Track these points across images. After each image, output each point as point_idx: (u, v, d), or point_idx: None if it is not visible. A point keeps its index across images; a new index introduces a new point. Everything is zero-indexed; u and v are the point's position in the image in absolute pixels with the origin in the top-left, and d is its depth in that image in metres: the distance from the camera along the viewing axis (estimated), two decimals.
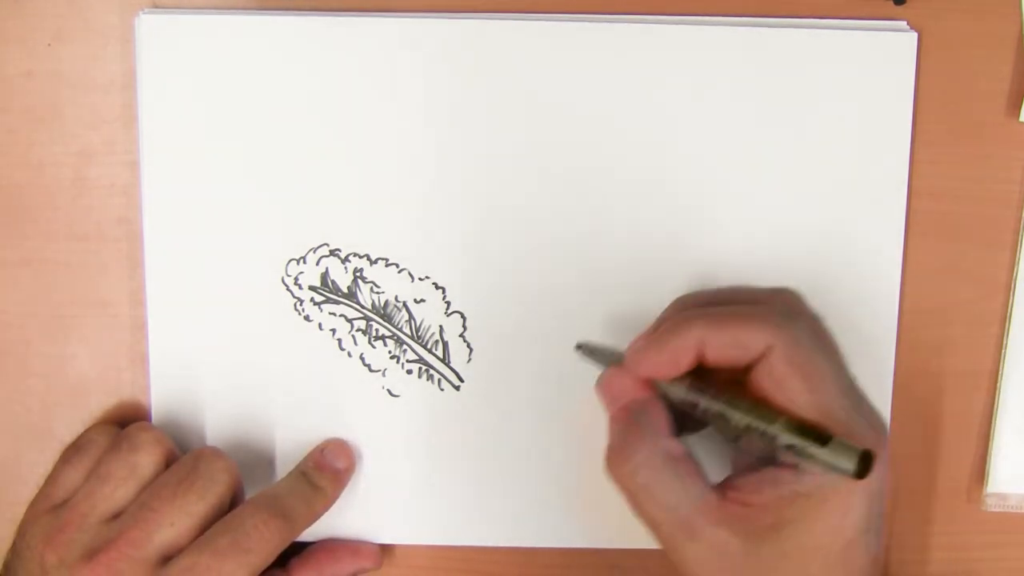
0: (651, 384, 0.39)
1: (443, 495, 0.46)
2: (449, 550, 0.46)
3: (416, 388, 0.45)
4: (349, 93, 0.44)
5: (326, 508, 0.44)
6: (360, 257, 0.45)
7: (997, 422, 0.46)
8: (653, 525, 0.38)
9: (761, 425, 0.36)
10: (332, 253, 0.45)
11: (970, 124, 0.45)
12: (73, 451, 0.43)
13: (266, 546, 0.40)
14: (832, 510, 0.36)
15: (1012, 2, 0.45)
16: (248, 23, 0.44)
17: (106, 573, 0.39)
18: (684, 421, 0.40)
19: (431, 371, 0.45)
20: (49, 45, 0.45)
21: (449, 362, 0.45)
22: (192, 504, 0.40)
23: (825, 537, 0.36)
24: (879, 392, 0.45)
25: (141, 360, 0.45)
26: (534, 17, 0.44)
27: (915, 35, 0.44)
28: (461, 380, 0.45)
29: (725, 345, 0.37)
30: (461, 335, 0.45)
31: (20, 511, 0.42)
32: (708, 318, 0.38)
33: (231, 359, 0.45)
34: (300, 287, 0.45)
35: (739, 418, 0.37)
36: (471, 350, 0.45)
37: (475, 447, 0.46)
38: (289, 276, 0.45)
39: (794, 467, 0.37)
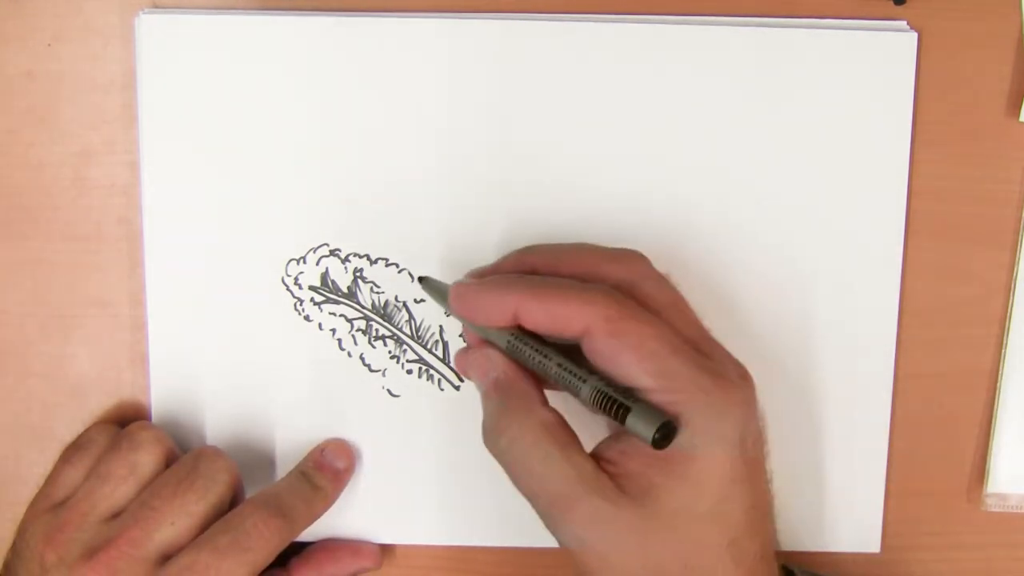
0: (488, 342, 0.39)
1: (443, 495, 0.46)
2: (449, 550, 0.46)
3: (416, 388, 0.45)
4: (349, 93, 0.44)
5: (326, 508, 0.44)
6: (360, 257, 0.45)
7: (997, 422, 0.46)
8: (531, 498, 0.38)
9: (571, 387, 0.37)
10: (332, 253, 0.45)
11: (970, 124, 0.45)
12: (73, 450, 0.43)
13: (266, 545, 0.40)
14: (696, 468, 0.36)
15: (1012, 2, 0.45)
16: (248, 23, 0.44)
17: (106, 572, 0.39)
18: None
19: (431, 371, 0.45)
20: (49, 45, 0.45)
21: (449, 362, 0.45)
22: (192, 503, 0.40)
23: (690, 499, 0.36)
24: (879, 392, 0.45)
25: (141, 360, 0.45)
26: (535, 17, 0.44)
27: (915, 35, 0.44)
28: (461, 380, 0.45)
29: (542, 319, 0.37)
30: (461, 335, 0.45)
31: (20, 511, 0.42)
32: (528, 287, 0.38)
33: (231, 359, 0.45)
34: (300, 287, 0.45)
35: (552, 376, 0.37)
36: None
37: (475, 447, 0.45)
38: (289, 276, 0.45)
39: None
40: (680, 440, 0.36)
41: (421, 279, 0.43)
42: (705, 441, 0.36)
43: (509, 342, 0.39)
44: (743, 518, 0.37)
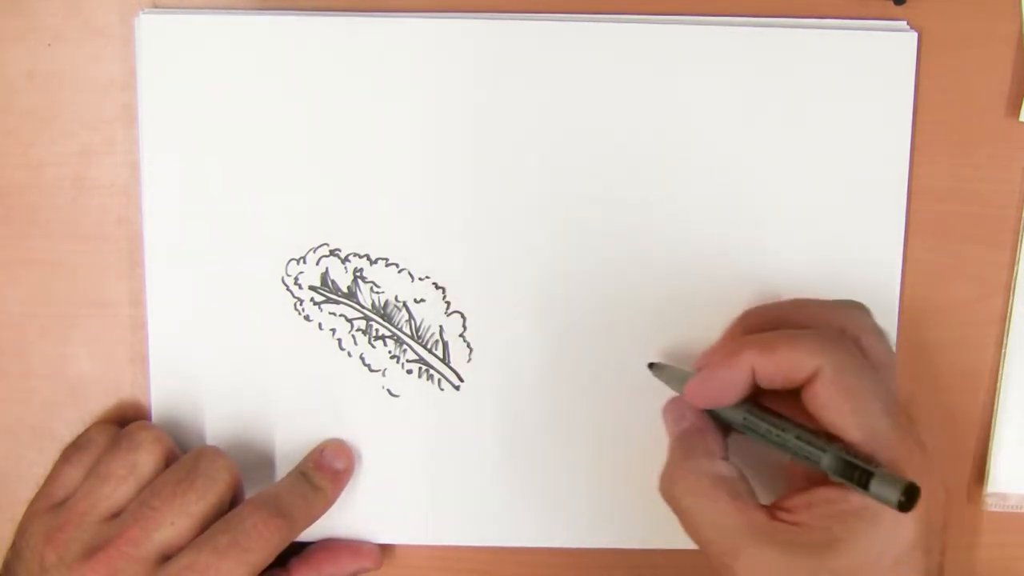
0: (708, 410, 0.41)
1: (443, 495, 0.46)
2: (449, 550, 0.46)
3: (416, 388, 0.45)
4: (349, 93, 0.44)
5: (326, 509, 0.44)
6: (360, 257, 0.45)
7: (997, 422, 0.46)
8: (701, 545, 0.38)
9: (810, 457, 0.37)
10: (332, 253, 0.45)
11: (970, 124, 0.45)
12: (73, 450, 0.43)
13: (266, 545, 0.40)
14: (882, 529, 0.36)
15: (1012, 2, 0.45)
16: (248, 23, 0.44)
17: (105, 571, 0.39)
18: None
19: (431, 371, 0.45)
20: (49, 45, 0.45)
21: (449, 362, 0.45)
22: (192, 503, 0.40)
23: (873, 555, 0.36)
24: None
25: (141, 360, 0.45)
26: (534, 17, 0.44)
27: (915, 35, 0.44)
28: (461, 380, 0.45)
29: (774, 370, 0.38)
30: (461, 335, 0.45)
31: (20, 511, 0.42)
32: (758, 345, 0.39)
33: (231, 359, 0.45)
34: (300, 287, 0.45)
35: (790, 447, 0.38)
36: (471, 350, 0.45)
37: (475, 447, 0.46)
38: (289, 276, 0.45)
39: (842, 486, 0.37)
40: (869, 499, 0.36)
41: (652, 365, 0.44)
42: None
43: (745, 418, 0.40)
44: None
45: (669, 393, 0.43)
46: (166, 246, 0.44)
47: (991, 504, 0.46)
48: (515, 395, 0.45)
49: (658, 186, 0.44)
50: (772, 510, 0.38)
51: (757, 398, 0.40)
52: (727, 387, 0.39)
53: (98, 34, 0.45)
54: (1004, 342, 0.46)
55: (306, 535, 0.43)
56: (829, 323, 0.40)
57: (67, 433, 0.45)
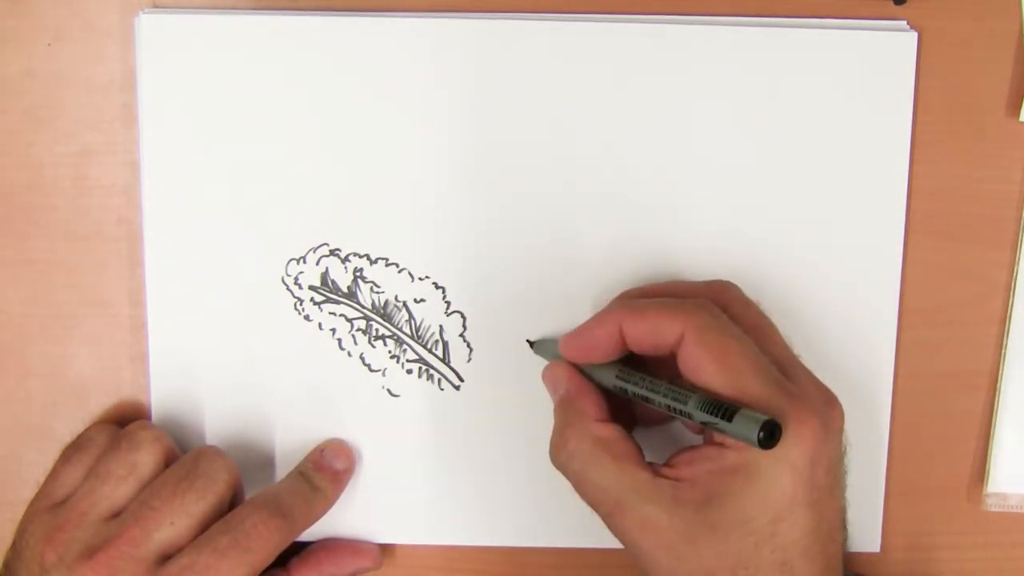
0: (583, 373, 0.42)
1: (443, 495, 0.46)
2: (449, 550, 0.46)
3: (416, 388, 0.45)
4: (349, 93, 0.44)
5: (326, 509, 0.44)
6: (360, 257, 0.45)
7: (997, 422, 0.46)
8: (593, 506, 0.39)
9: (678, 405, 0.38)
10: (332, 253, 0.45)
11: (970, 124, 0.45)
12: (73, 450, 0.43)
13: (266, 545, 0.40)
14: (756, 485, 0.37)
15: (1012, 2, 0.45)
16: (248, 23, 0.44)
17: (105, 571, 0.39)
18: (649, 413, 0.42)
19: (431, 371, 0.45)
20: (49, 45, 0.45)
21: (449, 362, 0.45)
22: (192, 503, 0.40)
23: (750, 511, 0.37)
24: (879, 392, 0.45)
25: (141, 360, 0.45)
26: (535, 17, 0.44)
27: (915, 35, 0.44)
28: (461, 380, 0.45)
29: (643, 333, 0.40)
30: (461, 335, 0.45)
31: (20, 511, 0.42)
32: (628, 308, 0.41)
33: (231, 359, 0.45)
34: (300, 287, 0.45)
35: (660, 400, 0.39)
36: (471, 350, 0.45)
37: (475, 447, 0.46)
38: (289, 276, 0.45)
39: (720, 444, 0.38)
40: (745, 456, 0.37)
41: (531, 343, 0.45)
42: (769, 460, 0.37)
43: (619, 372, 0.41)
44: (801, 540, 0.37)
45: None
46: (166, 246, 0.44)
47: (991, 504, 0.46)
48: (515, 395, 0.45)
49: (658, 185, 0.44)
50: (656, 468, 0.39)
51: (642, 368, 0.41)
52: (598, 343, 0.41)
53: (98, 34, 0.45)
54: (1004, 342, 0.46)
55: (306, 535, 0.43)
56: (697, 297, 0.41)
57: (67, 433, 0.45)
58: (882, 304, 0.45)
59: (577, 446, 0.40)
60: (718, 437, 0.38)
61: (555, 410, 0.42)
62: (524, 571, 0.47)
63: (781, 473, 0.37)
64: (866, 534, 0.46)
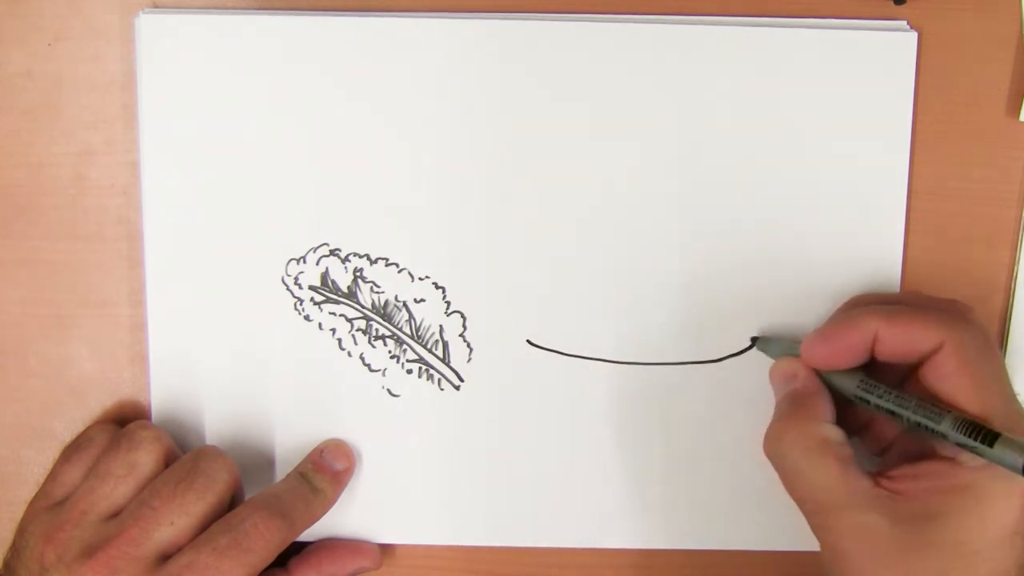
0: (818, 375, 0.41)
1: (443, 495, 0.46)
2: (449, 550, 0.46)
3: (416, 388, 0.45)
4: (349, 93, 0.44)
5: (326, 510, 0.44)
6: (360, 257, 0.45)
7: None
8: (800, 503, 0.39)
9: (930, 423, 0.37)
10: (332, 253, 0.45)
11: (970, 124, 0.45)
12: (73, 449, 0.43)
13: (265, 545, 0.40)
14: (986, 508, 0.37)
15: (1012, 2, 0.45)
16: (248, 23, 0.44)
17: (105, 571, 0.39)
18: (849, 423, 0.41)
19: (431, 371, 0.45)
20: (49, 45, 0.45)
21: (449, 362, 0.45)
22: (192, 503, 0.40)
23: (974, 532, 0.36)
24: None
25: (141, 360, 0.45)
26: (535, 17, 0.44)
27: (915, 35, 0.44)
28: (461, 380, 0.45)
29: (898, 340, 0.39)
30: (461, 335, 0.45)
31: (20, 511, 0.42)
32: (883, 313, 0.39)
33: (231, 359, 0.45)
34: (300, 287, 0.45)
35: (909, 415, 0.38)
36: (471, 350, 0.45)
37: (475, 447, 0.46)
38: (289, 276, 0.45)
39: (951, 461, 0.37)
40: (978, 477, 0.37)
41: (755, 340, 0.44)
42: (1002, 484, 0.36)
43: (861, 381, 0.40)
44: (1011, 571, 0.37)
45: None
46: (166, 246, 0.44)
47: None
48: (515, 395, 0.45)
49: (658, 185, 0.44)
50: (876, 477, 0.38)
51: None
52: (846, 350, 0.40)
53: (98, 34, 0.45)
54: (1004, 342, 0.46)
55: (306, 535, 0.43)
56: (944, 308, 0.40)
57: (67, 433, 0.45)
58: None
59: (800, 441, 0.39)
60: (949, 451, 0.37)
61: (781, 401, 0.41)
62: (524, 571, 0.47)
63: (1012, 501, 0.36)
64: None
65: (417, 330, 0.45)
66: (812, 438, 0.39)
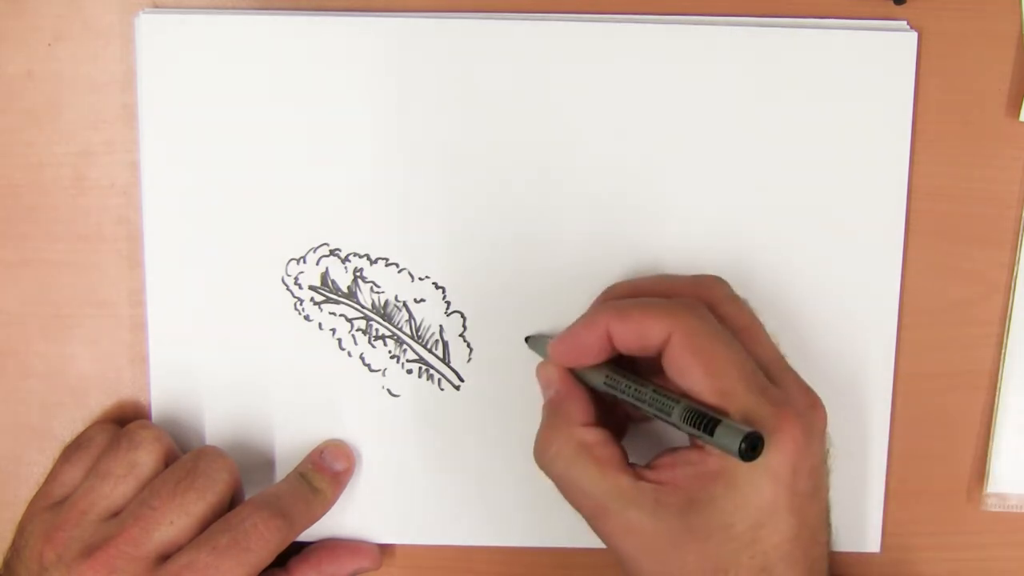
0: (572, 375, 0.42)
1: (443, 495, 0.46)
2: (449, 550, 0.46)
3: (416, 388, 0.45)
4: (349, 93, 0.44)
5: (325, 510, 0.44)
6: (360, 257, 0.45)
7: (997, 422, 0.46)
8: (576, 508, 0.40)
9: (663, 413, 0.38)
10: (332, 253, 0.45)
11: (970, 124, 0.45)
12: (73, 449, 0.43)
13: (265, 545, 0.40)
14: (737, 491, 0.37)
15: (1012, 2, 0.45)
16: (248, 23, 0.44)
17: (105, 570, 0.39)
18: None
19: (431, 371, 0.45)
20: (49, 45, 0.45)
21: (449, 362, 0.45)
22: (192, 503, 0.40)
23: (731, 517, 0.37)
24: (879, 392, 0.45)
25: (141, 360, 0.45)
26: (536, 17, 0.44)
27: (915, 35, 0.44)
28: (461, 380, 0.45)
29: (630, 335, 0.39)
30: (461, 335, 0.45)
31: (20, 511, 0.42)
32: (615, 309, 0.40)
33: (231, 359, 0.45)
34: (300, 287, 0.45)
35: (646, 407, 0.39)
36: (471, 350, 0.45)
37: (475, 447, 0.46)
38: (289, 276, 0.45)
39: (701, 448, 0.38)
40: (727, 462, 0.37)
41: (528, 339, 0.45)
42: (750, 468, 0.37)
43: (607, 377, 0.41)
44: (782, 546, 0.37)
45: None
46: (166, 246, 0.44)
47: (991, 504, 0.46)
48: (515, 395, 0.45)
49: (659, 185, 0.44)
50: (639, 471, 0.39)
51: (632, 369, 0.41)
52: (585, 347, 0.40)
53: (98, 34, 0.45)
54: (1004, 342, 0.46)
55: (306, 535, 0.43)
56: (685, 294, 0.41)
57: (67, 433, 0.45)
58: (882, 304, 0.45)
59: (560, 449, 0.40)
60: (699, 442, 0.38)
61: (543, 410, 0.42)
62: (524, 571, 0.47)
63: (762, 481, 0.37)
64: (866, 534, 0.46)
65: (417, 330, 0.45)
66: (571, 444, 0.40)
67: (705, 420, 0.37)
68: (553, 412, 0.41)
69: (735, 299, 0.41)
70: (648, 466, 0.39)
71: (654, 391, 0.39)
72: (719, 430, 0.36)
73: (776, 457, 0.37)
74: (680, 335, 0.38)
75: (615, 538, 0.38)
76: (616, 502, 0.38)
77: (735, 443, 0.35)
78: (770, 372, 0.39)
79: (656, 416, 0.39)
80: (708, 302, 0.40)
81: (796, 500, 0.37)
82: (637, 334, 0.39)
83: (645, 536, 0.38)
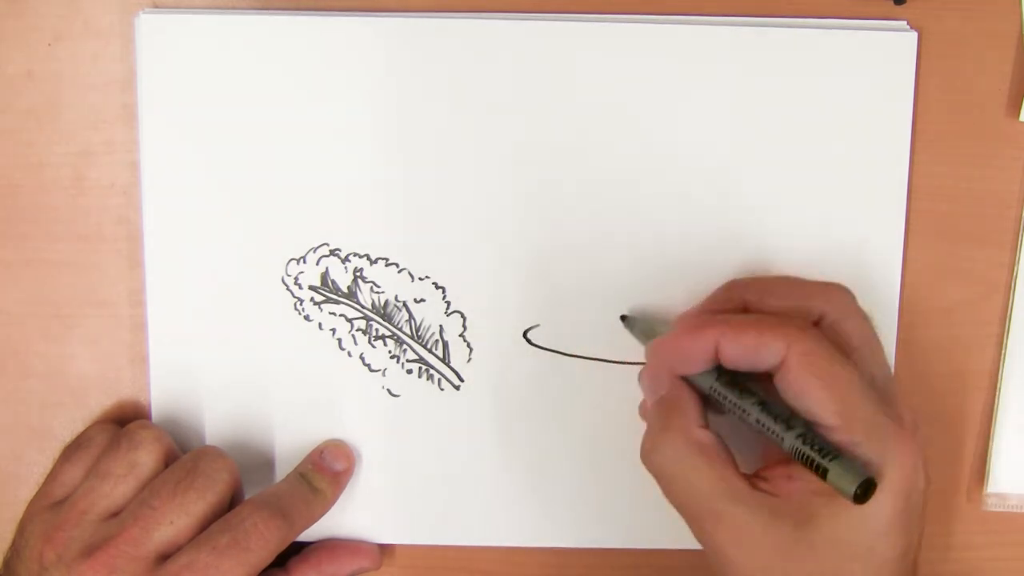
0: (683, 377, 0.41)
1: (443, 495, 0.46)
2: (449, 550, 0.46)
3: (416, 388, 0.45)
4: (349, 93, 0.44)
5: (325, 510, 0.44)
6: (360, 257, 0.45)
7: (997, 422, 0.46)
8: (682, 509, 0.39)
9: (775, 434, 0.38)
10: (332, 253, 0.45)
11: (970, 124, 0.45)
12: (73, 449, 0.43)
13: (265, 545, 0.40)
14: (855, 509, 0.37)
15: (1012, 2, 0.45)
16: (248, 23, 0.44)
17: (105, 570, 0.39)
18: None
19: (431, 371, 0.45)
20: (49, 45, 0.45)
21: (449, 362, 0.45)
22: (192, 503, 0.40)
23: (847, 534, 0.37)
24: None
25: (141, 360, 0.45)
26: (537, 17, 0.44)
27: (915, 35, 0.44)
28: (461, 380, 0.45)
29: (740, 353, 0.38)
30: (461, 335, 0.45)
31: (20, 511, 0.42)
32: (725, 325, 0.39)
33: (231, 359, 0.45)
34: (300, 287, 0.45)
35: (754, 425, 0.38)
36: (471, 350, 0.45)
37: (475, 447, 0.46)
38: (289, 276, 0.45)
39: None
40: None
41: (624, 318, 0.44)
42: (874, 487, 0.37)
43: (712, 386, 0.40)
44: (892, 564, 0.37)
45: None
46: (166, 246, 0.44)
47: (991, 504, 0.46)
48: (515, 395, 0.45)
49: (659, 185, 0.44)
50: (752, 479, 0.39)
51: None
52: (688, 357, 0.40)
53: (98, 34, 0.45)
54: (1004, 342, 0.46)
55: (306, 535, 0.43)
56: (810, 305, 0.40)
57: (67, 433, 0.45)
58: (882, 304, 0.45)
59: (676, 448, 0.39)
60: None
61: (652, 409, 0.41)
62: (524, 571, 0.47)
63: (883, 501, 0.37)
64: None
65: (417, 330, 0.45)
66: (685, 444, 0.39)
67: (815, 462, 0.36)
68: (668, 411, 0.40)
69: (859, 314, 0.41)
70: (760, 476, 0.39)
71: (760, 412, 0.38)
72: (832, 472, 0.36)
73: (897, 475, 0.36)
74: (797, 356, 0.37)
75: (723, 543, 0.37)
76: (731, 506, 0.37)
77: (850, 487, 0.35)
78: (885, 391, 0.39)
79: (766, 431, 0.38)
80: (832, 315, 0.40)
81: (908, 520, 0.37)
82: (750, 352, 0.38)
83: (756, 544, 0.37)
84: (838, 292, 0.41)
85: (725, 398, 0.39)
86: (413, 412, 0.45)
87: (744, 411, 0.39)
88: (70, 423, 0.46)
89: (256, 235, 0.44)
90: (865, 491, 0.35)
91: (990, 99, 0.45)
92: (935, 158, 0.45)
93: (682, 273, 0.45)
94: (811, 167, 0.44)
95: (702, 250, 0.45)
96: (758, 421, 0.38)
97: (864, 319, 0.40)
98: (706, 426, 0.40)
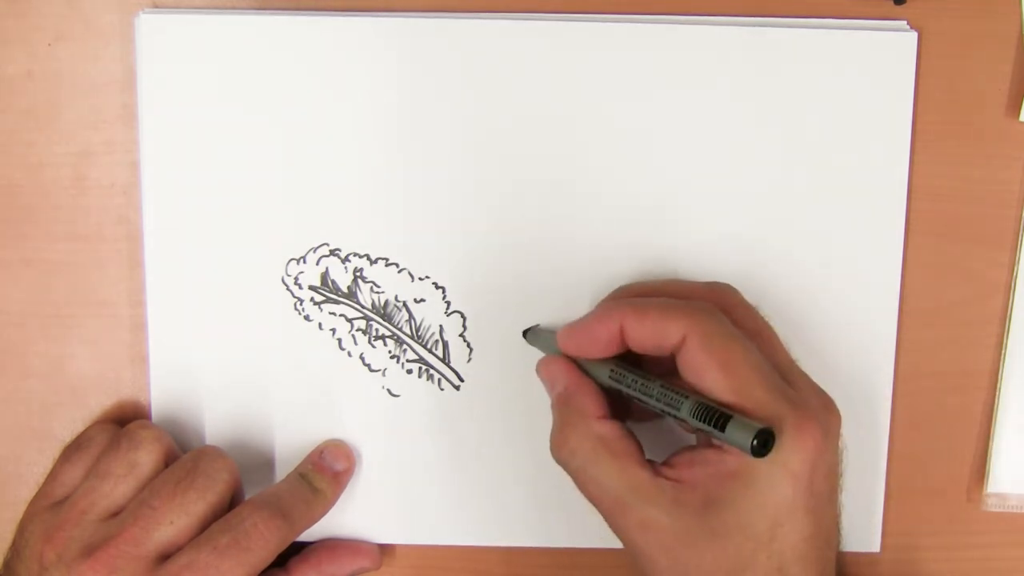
0: (580, 369, 0.41)
1: (443, 495, 0.46)
2: (449, 550, 0.46)
3: (416, 388, 0.45)
4: (349, 93, 0.44)
5: (326, 510, 0.44)
6: (360, 257, 0.45)
7: (997, 422, 0.46)
8: (594, 503, 0.39)
9: (671, 410, 0.38)
10: (332, 253, 0.45)
11: (970, 124, 0.45)
12: (73, 449, 0.43)
13: (265, 545, 0.40)
14: (756, 491, 0.37)
15: (1012, 2, 0.45)
16: (248, 23, 0.44)
17: (105, 570, 0.39)
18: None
19: (431, 371, 0.45)
20: (49, 45, 0.45)
21: (449, 362, 0.45)
22: (192, 503, 0.40)
23: (750, 516, 0.37)
24: (879, 392, 0.45)
25: (141, 360, 0.45)
26: (537, 17, 0.44)
27: (915, 35, 0.44)
28: (461, 380, 0.45)
29: (644, 334, 0.39)
30: (461, 335, 0.45)
31: (20, 511, 0.42)
32: (631, 307, 0.40)
33: (231, 359, 0.45)
34: (300, 287, 0.45)
35: (653, 403, 0.39)
36: (471, 350, 0.45)
37: (475, 447, 0.46)
38: (289, 276, 0.45)
39: (719, 448, 0.38)
40: (745, 461, 0.37)
41: (526, 332, 0.45)
42: (769, 467, 0.37)
43: (612, 371, 0.40)
44: (799, 546, 0.37)
45: None
46: (166, 246, 0.44)
47: (991, 504, 0.46)
48: (515, 395, 0.45)
49: (658, 186, 0.44)
50: (656, 467, 0.39)
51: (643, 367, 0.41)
52: (596, 340, 0.40)
53: (98, 34, 0.45)
54: (1004, 342, 0.46)
55: (306, 535, 0.43)
56: (698, 299, 0.41)
57: (67, 433, 0.45)
58: (882, 304, 0.45)
59: (578, 444, 0.40)
60: (716, 441, 0.38)
61: (553, 406, 0.42)
62: (524, 571, 0.47)
63: (781, 480, 0.37)
64: (866, 534, 0.46)
65: (417, 330, 0.45)
66: (588, 438, 0.39)
67: (716, 415, 0.36)
68: (566, 407, 0.41)
69: (748, 306, 0.41)
70: (666, 463, 0.39)
71: (662, 386, 0.39)
72: (730, 425, 0.36)
73: (795, 457, 0.37)
74: (698, 335, 0.38)
75: (632, 534, 0.38)
76: (634, 497, 0.38)
77: (747, 439, 0.35)
78: (785, 376, 0.39)
79: (663, 411, 0.39)
80: (721, 307, 0.40)
81: (813, 501, 0.37)
82: (654, 333, 0.39)
83: (662, 533, 0.37)
84: (723, 287, 0.42)
85: (624, 379, 0.40)
86: (413, 412, 0.45)
87: (645, 388, 0.39)
88: (70, 423, 0.46)
89: (256, 235, 0.44)
90: (764, 443, 0.35)
91: (990, 99, 0.45)
92: (935, 158, 0.45)
93: (682, 272, 0.45)
94: (811, 167, 0.44)
95: (702, 249, 0.45)
96: (658, 398, 0.38)
97: (752, 309, 0.41)
98: (607, 417, 0.40)
